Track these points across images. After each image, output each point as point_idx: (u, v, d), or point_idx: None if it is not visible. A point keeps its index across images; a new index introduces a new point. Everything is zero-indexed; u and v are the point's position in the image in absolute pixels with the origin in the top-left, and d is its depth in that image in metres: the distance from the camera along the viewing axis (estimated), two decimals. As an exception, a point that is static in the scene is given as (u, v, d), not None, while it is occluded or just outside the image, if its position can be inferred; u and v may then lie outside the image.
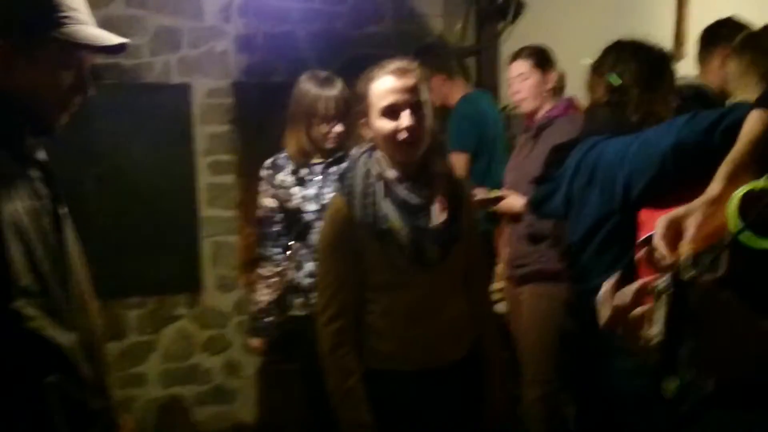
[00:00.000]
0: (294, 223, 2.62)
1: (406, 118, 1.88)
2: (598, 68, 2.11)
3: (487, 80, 4.34)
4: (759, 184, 0.93)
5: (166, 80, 3.76)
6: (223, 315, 3.95)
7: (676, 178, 1.68)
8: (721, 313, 0.85)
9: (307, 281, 2.57)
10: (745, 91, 1.69)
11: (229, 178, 3.92)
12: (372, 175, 1.95)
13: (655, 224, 1.73)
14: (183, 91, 3.79)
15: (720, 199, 1.14)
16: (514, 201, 2.91)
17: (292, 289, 2.66)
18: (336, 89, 2.56)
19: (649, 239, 1.73)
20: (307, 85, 2.59)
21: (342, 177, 2.02)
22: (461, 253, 2.01)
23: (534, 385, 2.98)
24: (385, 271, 1.95)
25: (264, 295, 2.72)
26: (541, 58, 3.01)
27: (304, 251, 2.60)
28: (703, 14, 4.12)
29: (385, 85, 1.91)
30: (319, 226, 2.29)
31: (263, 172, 2.69)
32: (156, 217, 3.71)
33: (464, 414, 2.06)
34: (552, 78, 2.98)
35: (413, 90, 1.91)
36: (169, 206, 3.76)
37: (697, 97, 2.26)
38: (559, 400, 2.88)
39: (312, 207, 2.58)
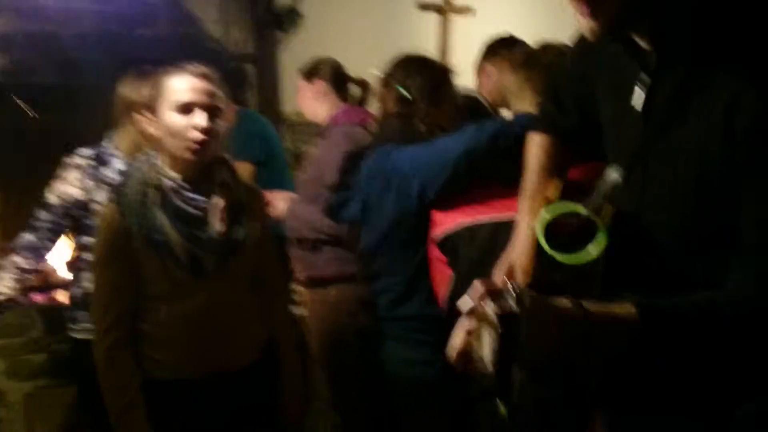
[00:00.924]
0: None
1: (202, 119, 1.85)
2: (387, 81, 2.22)
3: (268, 89, 4.35)
4: (563, 209, 1.06)
5: None
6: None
7: (466, 181, 1.87)
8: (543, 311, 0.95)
9: None
10: (522, 104, 1.88)
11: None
12: (148, 183, 1.88)
13: (446, 224, 1.88)
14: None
15: (529, 231, 1.31)
16: (277, 203, 2.91)
17: (80, 304, 2.47)
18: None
19: (444, 239, 1.88)
20: (132, 80, 2.49)
21: (117, 184, 1.95)
22: (244, 262, 2.00)
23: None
24: (162, 281, 1.91)
25: (8, 287, 2.49)
26: (308, 70, 3.04)
27: None
28: (462, 34, 4.49)
29: (184, 82, 1.87)
30: None
31: (80, 161, 2.47)
32: None
33: (257, 417, 2.07)
34: (319, 86, 2.96)
35: (212, 95, 1.89)
36: None
37: (473, 107, 2.47)
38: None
39: None
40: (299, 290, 3.12)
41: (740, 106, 1.02)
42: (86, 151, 2.51)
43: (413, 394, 2.11)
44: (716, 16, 1.07)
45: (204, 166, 1.92)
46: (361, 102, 3.06)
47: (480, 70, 2.91)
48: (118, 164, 2.47)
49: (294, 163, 4.13)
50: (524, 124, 1.76)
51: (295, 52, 4.48)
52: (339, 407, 2.73)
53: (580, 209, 1.04)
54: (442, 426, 2.08)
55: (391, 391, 2.18)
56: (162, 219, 1.86)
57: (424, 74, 2.17)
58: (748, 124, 1.01)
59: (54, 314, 2.55)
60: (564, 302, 0.99)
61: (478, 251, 1.82)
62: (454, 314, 1.91)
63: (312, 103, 2.98)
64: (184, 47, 3.92)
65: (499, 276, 1.33)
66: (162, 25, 3.94)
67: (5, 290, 2.48)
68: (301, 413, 2.25)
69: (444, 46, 4.69)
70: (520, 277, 1.28)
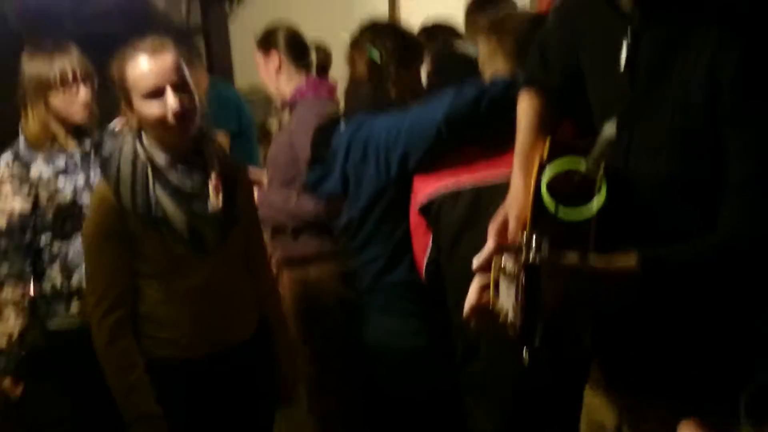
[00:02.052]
0: (67, 219, 2.32)
1: (172, 100, 1.77)
2: (356, 45, 2.17)
3: (219, 62, 4.25)
4: (563, 164, 1.09)
5: None
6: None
7: (449, 147, 1.86)
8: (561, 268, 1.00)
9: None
10: (495, 69, 1.88)
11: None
12: (140, 160, 1.83)
13: (428, 190, 1.87)
14: None
15: (523, 191, 1.32)
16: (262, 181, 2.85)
17: (56, 297, 2.35)
18: (69, 53, 2.30)
19: (427, 204, 1.88)
20: (35, 56, 2.31)
21: (106, 163, 1.88)
22: (240, 236, 1.99)
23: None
24: (162, 259, 1.88)
25: (15, 324, 2.29)
26: (262, 43, 2.84)
27: (77, 250, 2.32)
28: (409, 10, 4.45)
29: (142, 66, 1.78)
30: None
31: (3, 171, 2.29)
32: None
33: (256, 392, 2.08)
34: (275, 58, 2.78)
35: (174, 69, 1.80)
36: None
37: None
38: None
39: (87, 198, 2.28)
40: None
41: (723, 62, 1.07)
42: (5, 157, 2.31)
43: (401, 365, 2.10)
44: None
45: (191, 140, 1.88)
46: (323, 70, 2.99)
47: (468, 25, 2.81)
48: (40, 158, 2.29)
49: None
50: (502, 87, 1.78)
51: (245, 23, 4.39)
52: (321, 383, 2.71)
53: (581, 165, 1.06)
54: (429, 395, 2.08)
55: (378, 364, 2.16)
56: (161, 196, 1.82)
57: (394, 37, 2.14)
58: (731, 77, 1.06)
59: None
60: (572, 256, 1.04)
61: (461, 217, 1.81)
62: (433, 282, 1.93)
63: (273, 76, 2.81)
64: (129, 21, 3.78)
65: (493, 230, 1.33)
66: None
67: (17, 328, 2.29)
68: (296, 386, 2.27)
69: (393, 17, 4.65)
70: (518, 231, 1.29)
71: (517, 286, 0.95)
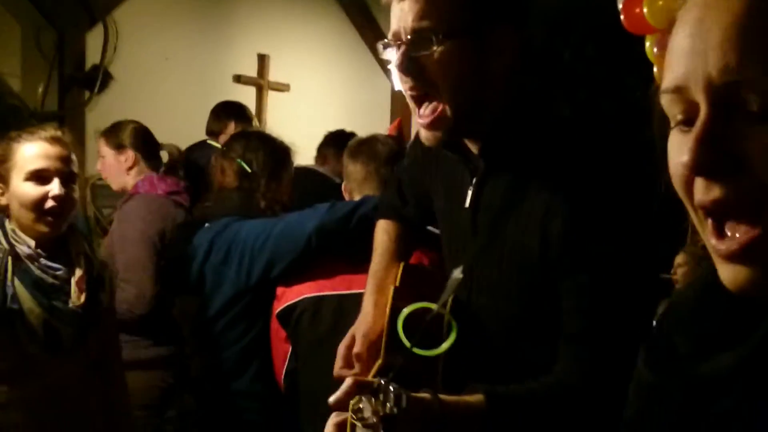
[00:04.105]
0: None
1: (56, 186, 1.75)
2: (227, 153, 2.22)
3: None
4: (416, 305, 1.15)
5: None
6: None
7: (316, 257, 1.94)
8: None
9: None
10: (364, 190, 2.02)
11: None
12: (1, 249, 1.74)
13: (289, 297, 1.91)
14: None
15: (373, 312, 1.42)
16: None
17: None
18: None
19: (285, 311, 1.90)
20: None
21: None
22: (97, 338, 1.90)
23: None
24: (10, 357, 1.75)
25: None
26: (114, 138, 2.83)
27: None
28: (277, 107, 4.60)
29: (36, 149, 1.75)
30: None
31: None
32: None
33: None
34: (128, 156, 2.78)
35: (66, 160, 1.79)
36: None
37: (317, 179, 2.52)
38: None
39: None
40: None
41: (554, 213, 1.14)
42: None
43: None
44: (537, 136, 1.21)
45: (59, 234, 1.81)
46: (172, 169, 2.98)
47: (320, 156, 3.07)
48: None
49: (97, 231, 3.93)
50: (372, 205, 1.88)
51: (102, 114, 4.33)
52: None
53: (432, 306, 1.12)
54: None
55: None
56: (19, 288, 1.72)
57: (264, 149, 2.20)
58: (560, 229, 1.14)
59: None
60: (425, 396, 1.07)
61: (323, 323, 1.86)
62: (290, 391, 1.94)
63: (123, 172, 2.79)
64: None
65: (341, 351, 1.39)
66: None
67: None
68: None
69: (260, 118, 4.76)
70: (364, 349, 1.36)
71: None
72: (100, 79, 4.24)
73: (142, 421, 2.34)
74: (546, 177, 1.18)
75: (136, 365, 2.46)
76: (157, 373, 2.53)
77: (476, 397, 1.12)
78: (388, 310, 1.30)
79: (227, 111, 3.93)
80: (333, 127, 3.66)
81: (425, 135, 1.20)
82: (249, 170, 2.15)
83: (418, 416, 1.03)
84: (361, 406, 0.99)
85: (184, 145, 3.57)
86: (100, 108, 4.31)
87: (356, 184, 2.03)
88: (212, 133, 3.87)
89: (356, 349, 1.38)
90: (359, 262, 1.80)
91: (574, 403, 1.16)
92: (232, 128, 3.68)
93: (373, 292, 1.46)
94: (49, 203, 1.75)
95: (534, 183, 1.18)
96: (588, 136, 1.25)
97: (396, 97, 5.76)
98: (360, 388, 1.02)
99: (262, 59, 4.82)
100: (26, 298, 1.74)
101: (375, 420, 0.96)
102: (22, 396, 1.77)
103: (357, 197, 2.01)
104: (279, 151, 2.25)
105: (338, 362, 1.38)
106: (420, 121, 1.20)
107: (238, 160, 2.16)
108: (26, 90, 3.99)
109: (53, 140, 1.79)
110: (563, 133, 1.23)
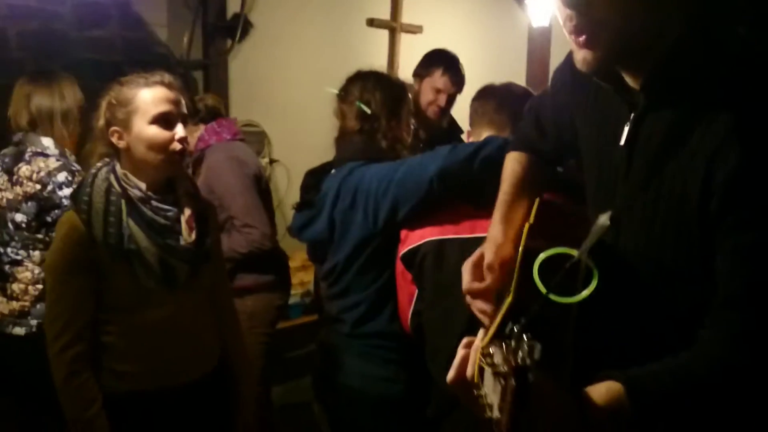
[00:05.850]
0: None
1: (180, 129, 1.85)
2: (345, 97, 2.22)
3: (217, 96, 4.31)
4: (556, 250, 1.07)
5: None
6: None
7: (439, 200, 1.91)
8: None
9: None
10: (485, 131, 1.99)
11: None
12: (114, 192, 1.84)
13: (413, 240, 1.92)
14: None
15: (502, 238, 1.34)
16: None
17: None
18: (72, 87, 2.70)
19: (410, 254, 1.90)
20: (43, 87, 2.59)
21: (77, 193, 1.87)
22: (208, 273, 2.00)
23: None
24: (130, 292, 1.87)
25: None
26: None
27: None
28: (410, 50, 4.56)
29: (157, 93, 1.85)
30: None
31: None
32: None
33: (216, 426, 2.07)
34: None
35: (181, 104, 1.89)
36: None
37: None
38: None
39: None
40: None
41: (722, 159, 1.02)
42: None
43: (376, 411, 2.12)
44: (712, 66, 1.07)
45: (167, 177, 1.91)
46: (218, 114, 3.02)
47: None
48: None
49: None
50: (496, 147, 1.84)
51: (244, 61, 4.49)
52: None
53: (573, 252, 1.04)
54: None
55: (350, 408, 2.18)
56: (134, 228, 1.82)
57: (382, 89, 2.19)
58: (727, 176, 1.02)
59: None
60: (563, 395, 0.99)
61: (446, 267, 1.84)
62: (417, 332, 1.95)
63: None
64: (132, 50, 3.87)
65: (467, 269, 1.32)
66: (111, 27, 3.87)
67: None
68: (259, 421, 2.27)
69: (393, 62, 4.75)
70: (497, 264, 1.29)
71: (505, 388, 0.86)
72: (240, 27, 4.36)
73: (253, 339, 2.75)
74: (716, 118, 1.04)
75: (244, 291, 2.81)
76: (265, 295, 2.88)
77: (615, 390, 1.02)
78: (521, 249, 1.23)
79: None
80: (467, 69, 3.55)
81: (581, 55, 1.08)
82: (368, 112, 2.15)
83: (551, 392, 0.95)
84: (491, 350, 0.93)
85: (321, 90, 3.61)
86: (242, 56, 4.46)
87: (481, 126, 1.98)
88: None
89: (488, 260, 1.30)
90: (483, 206, 1.76)
91: (722, 380, 1.05)
92: None
93: (500, 221, 1.38)
94: (176, 145, 1.84)
95: (702, 123, 1.05)
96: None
97: (532, 36, 5.57)
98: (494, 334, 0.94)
99: (395, 1, 4.78)
100: (142, 238, 1.83)
101: (506, 368, 0.87)
102: (139, 325, 1.89)
103: (477, 135, 1.98)
104: (396, 89, 2.23)
105: (465, 277, 1.31)
106: (577, 39, 1.07)
107: (357, 103, 2.16)
108: (172, 39, 4.18)
109: (170, 85, 1.87)
110: (740, 69, 1.07)
